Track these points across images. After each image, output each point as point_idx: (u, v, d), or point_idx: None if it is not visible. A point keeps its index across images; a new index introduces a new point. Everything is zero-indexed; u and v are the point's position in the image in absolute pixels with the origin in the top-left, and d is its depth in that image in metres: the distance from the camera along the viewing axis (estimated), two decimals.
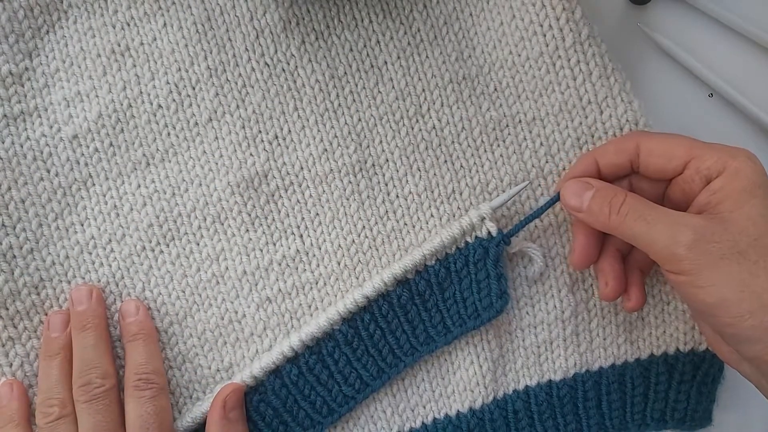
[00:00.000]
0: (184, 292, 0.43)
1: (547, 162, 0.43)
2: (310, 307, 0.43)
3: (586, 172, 0.40)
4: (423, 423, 0.44)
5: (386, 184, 0.43)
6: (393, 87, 0.43)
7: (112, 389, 0.40)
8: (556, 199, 0.41)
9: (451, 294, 0.42)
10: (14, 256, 0.42)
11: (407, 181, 0.43)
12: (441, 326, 0.43)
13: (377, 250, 0.43)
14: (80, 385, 0.40)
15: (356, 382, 0.42)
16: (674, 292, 0.43)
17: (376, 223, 0.43)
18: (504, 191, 0.43)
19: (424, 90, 0.43)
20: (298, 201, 0.43)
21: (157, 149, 0.43)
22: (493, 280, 0.42)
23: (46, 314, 0.42)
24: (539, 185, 0.43)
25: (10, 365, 0.41)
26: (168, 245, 0.43)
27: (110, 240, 0.43)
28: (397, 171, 0.43)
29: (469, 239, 0.42)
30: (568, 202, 0.39)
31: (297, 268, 0.43)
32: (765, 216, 0.34)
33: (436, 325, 0.43)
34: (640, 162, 0.39)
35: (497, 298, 0.42)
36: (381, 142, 0.43)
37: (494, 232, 0.42)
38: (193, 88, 0.43)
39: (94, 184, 0.43)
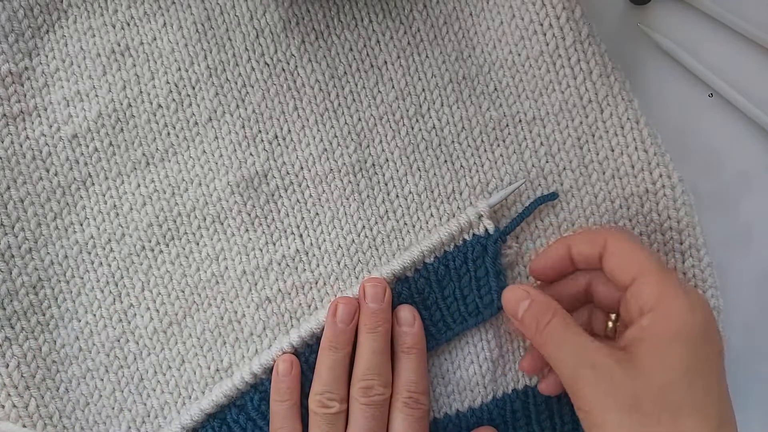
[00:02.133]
0: (183, 292, 0.43)
1: (547, 162, 0.43)
2: (309, 306, 0.43)
3: (559, 258, 0.40)
4: None
5: (386, 184, 0.43)
6: (393, 87, 0.43)
7: (387, 400, 0.40)
8: (551, 197, 0.42)
9: (451, 292, 0.42)
10: (12, 256, 0.42)
11: (407, 180, 0.43)
12: (441, 324, 0.42)
13: (377, 249, 0.43)
14: (363, 386, 0.39)
15: None
16: None
17: (376, 222, 0.43)
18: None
19: (424, 90, 0.43)
20: (297, 201, 0.43)
21: (157, 149, 0.43)
22: (492, 278, 0.42)
23: (44, 315, 0.42)
24: (539, 185, 0.43)
25: (7, 366, 0.41)
26: (167, 245, 0.43)
27: (109, 240, 0.43)
28: (397, 171, 0.43)
29: (467, 237, 0.42)
30: (508, 307, 0.40)
31: (297, 268, 0.43)
32: (676, 369, 0.33)
33: (437, 323, 0.42)
34: (605, 257, 0.38)
35: (498, 295, 0.41)
36: (381, 141, 0.43)
37: (491, 229, 0.42)
38: (193, 88, 0.43)
39: (93, 184, 0.43)
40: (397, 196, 0.43)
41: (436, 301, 0.42)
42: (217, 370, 0.43)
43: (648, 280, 0.35)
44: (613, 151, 0.43)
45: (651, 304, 0.35)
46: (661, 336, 0.34)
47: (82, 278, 0.43)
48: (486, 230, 0.42)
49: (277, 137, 0.43)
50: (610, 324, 0.40)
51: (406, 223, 0.43)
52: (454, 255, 0.42)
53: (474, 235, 0.42)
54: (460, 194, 0.43)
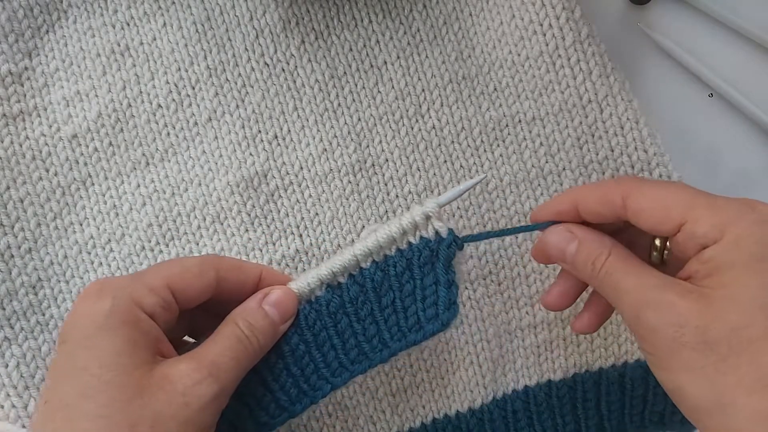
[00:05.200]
0: None
1: (547, 162, 0.43)
2: None
3: (561, 215, 0.36)
4: (422, 423, 0.43)
5: (386, 184, 0.43)
6: (393, 87, 0.43)
7: None
8: (532, 227, 0.37)
9: (389, 302, 0.36)
10: (12, 256, 0.42)
11: (407, 180, 0.43)
12: (376, 340, 0.36)
13: None
14: None
15: (270, 406, 0.36)
16: None
17: (376, 222, 0.43)
18: (503, 191, 0.43)
19: (423, 90, 0.43)
20: (297, 201, 0.43)
21: (157, 149, 0.43)
22: (442, 288, 0.36)
23: (44, 315, 0.42)
24: (539, 185, 0.43)
25: (6, 366, 0.41)
26: (167, 245, 0.43)
27: (109, 240, 0.43)
28: (397, 171, 0.43)
29: (412, 239, 0.36)
30: (553, 253, 0.35)
31: (296, 268, 0.43)
32: (755, 302, 0.29)
33: (371, 339, 0.36)
34: (629, 218, 0.33)
35: (444, 308, 0.36)
36: (381, 141, 0.43)
37: (444, 232, 0.36)
38: (193, 88, 0.43)
39: (93, 184, 0.43)
40: (397, 195, 0.43)
41: (372, 313, 0.36)
42: None
43: (699, 216, 0.31)
44: (613, 151, 0.43)
45: (714, 237, 0.30)
46: (732, 265, 0.29)
47: (82, 278, 0.43)
48: (437, 233, 0.36)
49: (276, 137, 0.43)
50: (655, 253, 0.35)
51: None
52: (396, 259, 0.36)
53: (421, 237, 0.36)
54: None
